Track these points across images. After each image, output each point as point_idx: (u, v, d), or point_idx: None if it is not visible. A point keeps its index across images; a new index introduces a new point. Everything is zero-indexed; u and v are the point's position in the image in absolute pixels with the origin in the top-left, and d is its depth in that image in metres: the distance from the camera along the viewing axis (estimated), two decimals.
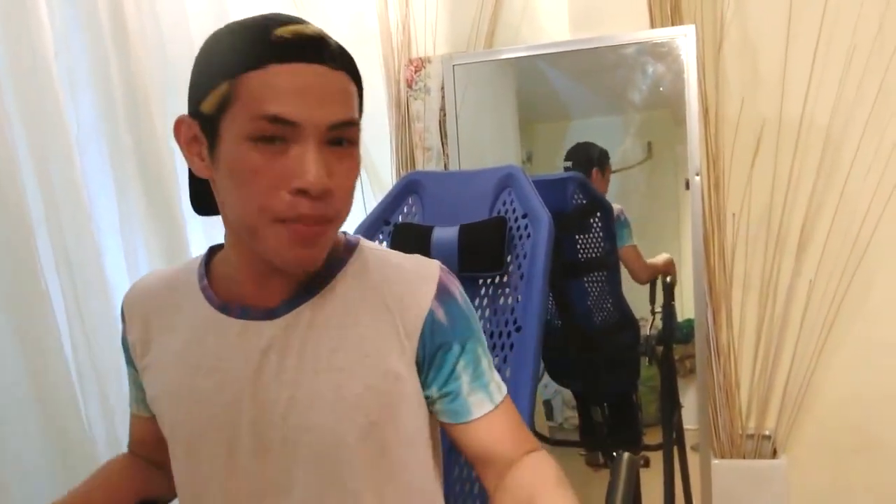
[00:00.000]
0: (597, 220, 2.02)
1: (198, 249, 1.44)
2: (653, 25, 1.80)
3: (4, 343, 1.06)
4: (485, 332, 1.20)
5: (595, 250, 2.04)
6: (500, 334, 1.21)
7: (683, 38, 1.67)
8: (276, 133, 0.67)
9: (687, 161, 1.71)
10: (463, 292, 0.82)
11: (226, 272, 0.80)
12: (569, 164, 2.07)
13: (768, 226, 1.84)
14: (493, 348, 1.20)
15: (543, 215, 1.27)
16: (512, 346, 1.18)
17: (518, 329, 1.19)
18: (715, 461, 1.86)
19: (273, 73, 0.67)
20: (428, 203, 1.43)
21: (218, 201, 0.74)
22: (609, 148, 2.03)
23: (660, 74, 1.77)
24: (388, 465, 0.77)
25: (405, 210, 1.43)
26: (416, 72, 1.88)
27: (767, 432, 1.88)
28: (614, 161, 2.00)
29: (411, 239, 1.31)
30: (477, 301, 1.27)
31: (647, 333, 2.16)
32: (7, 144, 1.04)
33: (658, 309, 2.12)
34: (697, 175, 1.67)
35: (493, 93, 2.01)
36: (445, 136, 1.85)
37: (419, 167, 1.92)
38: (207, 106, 0.69)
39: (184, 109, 0.73)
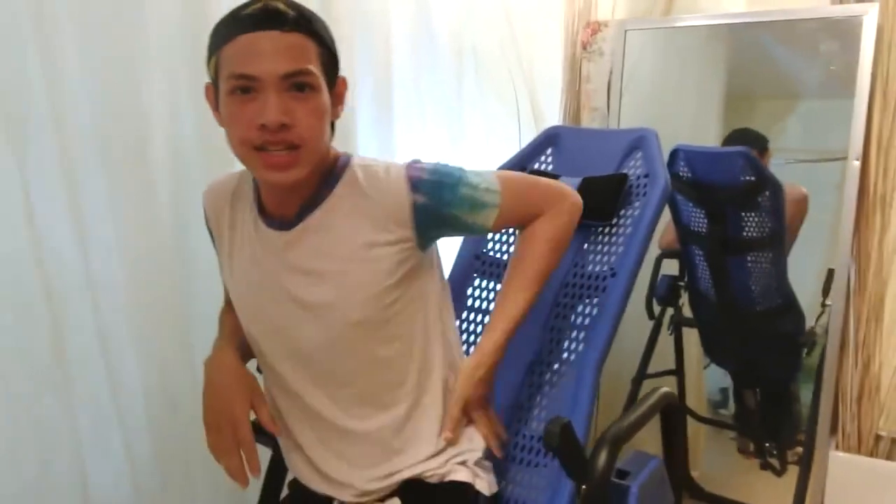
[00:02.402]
0: (765, 198, 2.00)
1: None
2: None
3: None
4: (585, 274, 1.35)
5: (761, 229, 2.03)
6: (598, 276, 1.33)
7: (865, 17, 1.61)
8: (245, 85, 0.90)
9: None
10: (430, 167, 1.02)
11: (263, 193, 1.03)
12: None
13: None
14: (588, 289, 1.33)
15: (661, 177, 1.37)
16: (605, 288, 1.30)
17: (613, 274, 1.31)
18: (837, 454, 1.83)
19: (238, 42, 0.90)
20: (563, 155, 1.57)
21: (230, 145, 0.97)
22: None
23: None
24: (389, 328, 1.01)
25: (542, 159, 1.58)
26: (592, 34, 1.99)
27: None
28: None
29: None
30: (587, 245, 1.40)
31: (813, 325, 2.10)
32: None
33: (829, 302, 2.06)
34: (857, 160, 1.62)
35: (681, 61, 2.05)
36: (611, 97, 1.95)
37: (584, 123, 2.04)
38: (211, 74, 0.95)
39: None
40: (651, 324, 2.17)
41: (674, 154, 2.07)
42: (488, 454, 1.09)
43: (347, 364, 1.01)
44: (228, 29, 0.92)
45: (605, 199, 1.38)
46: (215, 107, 0.98)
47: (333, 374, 1.02)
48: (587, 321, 1.27)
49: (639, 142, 1.46)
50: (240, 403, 0.99)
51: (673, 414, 1.06)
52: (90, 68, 1.14)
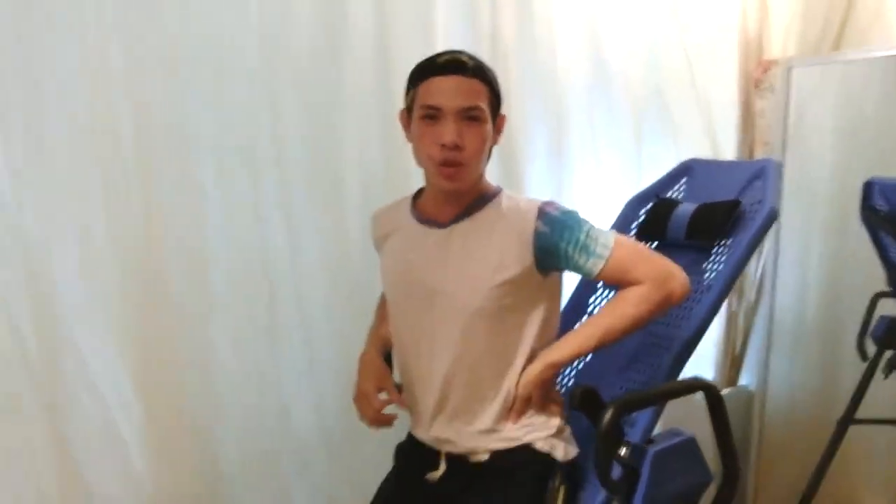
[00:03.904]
0: None
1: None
2: None
3: None
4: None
5: None
6: (696, 291, 1.48)
7: None
8: (432, 114, 1.23)
9: None
10: (563, 209, 1.27)
11: (423, 200, 1.36)
12: None
13: None
14: (688, 300, 1.47)
15: (768, 204, 1.48)
16: (699, 301, 1.45)
17: (708, 288, 1.46)
18: None
19: (432, 82, 1.24)
20: (693, 184, 1.72)
21: (414, 156, 1.31)
22: None
23: None
24: (500, 326, 1.26)
25: (676, 187, 1.75)
26: (763, 72, 2.07)
27: None
28: None
29: (662, 210, 1.64)
30: (696, 266, 1.55)
31: None
32: None
33: None
34: None
35: (857, 95, 2.06)
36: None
37: (757, 157, 2.12)
38: (407, 102, 1.29)
39: None
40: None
41: (868, 187, 2.04)
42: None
43: (461, 343, 1.29)
44: (425, 72, 1.26)
45: (710, 223, 1.52)
46: (406, 127, 1.32)
47: (449, 351, 1.30)
48: (676, 331, 1.44)
49: (760, 172, 1.57)
50: (371, 386, 1.38)
51: (714, 402, 1.19)
52: (303, 117, 1.62)
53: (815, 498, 2.10)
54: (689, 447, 1.16)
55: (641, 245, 1.34)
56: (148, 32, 1.41)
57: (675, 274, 1.26)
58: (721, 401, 1.20)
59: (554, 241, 1.24)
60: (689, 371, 1.95)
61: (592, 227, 1.27)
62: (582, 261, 1.25)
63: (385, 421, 1.38)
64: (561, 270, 1.32)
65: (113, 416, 1.42)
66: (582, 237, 1.24)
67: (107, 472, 1.42)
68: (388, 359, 1.50)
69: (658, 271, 1.25)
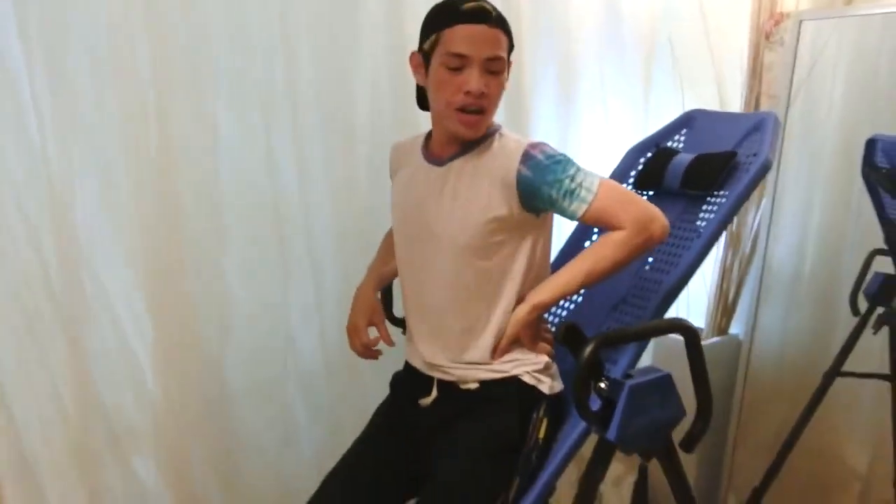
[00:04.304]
0: None
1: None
2: None
3: None
4: (679, 236, 1.55)
5: None
6: (688, 238, 1.54)
7: None
8: (457, 63, 1.26)
9: None
10: (549, 152, 1.30)
11: (433, 140, 1.42)
12: None
13: None
14: (676, 247, 1.54)
15: (760, 158, 1.51)
16: (688, 248, 1.51)
17: (698, 235, 1.51)
18: None
19: (457, 30, 1.26)
20: (693, 135, 1.76)
21: (429, 99, 1.35)
22: None
23: None
24: (488, 262, 1.33)
25: (676, 138, 1.78)
26: (775, 25, 2.08)
27: None
28: None
29: (660, 159, 1.68)
30: (686, 211, 1.60)
31: None
32: None
33: None
34: None
35: (868, 51, 2.05)
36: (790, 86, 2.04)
37: (763, 110, 2.14)
38: (426, 46, 1.31)
39: None
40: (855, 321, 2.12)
41: (870, 144, 2.04)
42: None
43: (451, 276, 1.35)
44: (450, 17, 1.27)
45: (706, 173, 1.57)
46: (419, 70, 1.34)
47: (441, 283, 1.37)
48: (664, 276, 1.50)
49: (759, 124, 1.60)
50: (362, 320, 1.50)
51: (691, 343, 1.26)
52: (316, 60, 1.67)
53: (796, 446, 2.18)
54: (664, 383, 1.23)
55: (625, 189, 1.37)
56: None
57: (655, 217, 1.29)
58: (698, 341, 1.27)
59: (537, 185, 1.29)
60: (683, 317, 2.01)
61: (579, 170, 1.30)
62: (566, 203, 1.28)
63: (372, 355, 1.51)
64: (548, 211, 1.37)
65: (127, 335, 1.52)
66: (567, 181, 1.28)
67: (120, 386, 1.53)
68: (387, 292, 1.58)
69: (640, 215, 1.29)
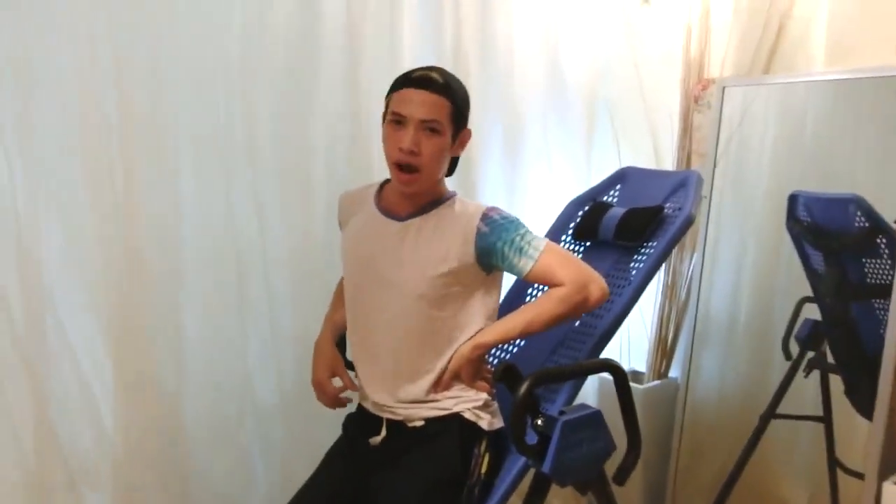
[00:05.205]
0: (883, 245, 2.07)
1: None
2: None
3: None
4: (612, 283, 1.67)
5: (884, 277, 2.07)
6: (619, 286, 1.66)
7: None
8: (398, 119, 1.40)
9: None
10: (505, 215, 1.45)
11: (387, 193, 1.53)
12: None
13: None
14: (612, 294, 1.65)
15: (685, 212, 1.66)
16: (621, 294, 1.63)
17: (628, 283, 1.64)
18: (890, 486, 1.87)
19: (402, 93, 1.41)
20: (626, 190, 1.90)
21: None
22: None
23: None
24: (441, 312, 1.44)
25: (611, 192, 1.93)
26: (703, 90, 2.27)
27: None
28: None
29: (596, 213, 1.82)
30: (620, 262, 1.73)
31: None
32: None
33: None
34: None
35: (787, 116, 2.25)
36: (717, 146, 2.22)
37: (693, 167, 2.31)
38: (385, 106, 1.45)
39: None
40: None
41: (793, 199, 2.20)
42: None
43: (405, 323, 1.45)
44: (400, 83, 1.43)
45: (635, 226, 1.70)
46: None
47: (395, 329, 1.46)
48: (599, 321, 1.62)
49: (684, 181, 1.76)
50: (325, 374, 1.58)
51: (620, 380, 1.37)
52: (275, 114, 1.78)
53: (735, 487, 2.28)
54: (595, 419, 1.34)
55: (568, 252, 1.52)
56: (135, 31, 1.56)
57: (594, 279, 1.42)
58: (626, 379, 1.38)
59: (492, 241, 1.42)
60: (625, 362, 2.13)
61: (528, 232, 1.44)
62: (515, 260, 1.42)
63: (341, 404, 1.60)
64: (500, 268, 1.48)
65: (87, 377, 1.57)
66: (517, 239, 1.42)
67: (79, 429, 1.57)
68: (341, 341, 1.67)
69: (579, 276, 1.41)
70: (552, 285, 1.42)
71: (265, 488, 1.86)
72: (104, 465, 1.59)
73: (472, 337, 1.46)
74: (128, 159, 1.58)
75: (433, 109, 1.40)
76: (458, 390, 1.46)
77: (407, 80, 1.42)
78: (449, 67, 1.51)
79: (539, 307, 1.43)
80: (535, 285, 1.80)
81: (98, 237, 1.56)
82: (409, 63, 1.87)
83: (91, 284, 1.57)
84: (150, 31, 1.58)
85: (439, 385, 1.45)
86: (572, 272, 1.41)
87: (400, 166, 1.41)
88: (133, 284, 1.61)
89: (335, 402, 1.59)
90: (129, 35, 1.55)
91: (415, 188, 1.44)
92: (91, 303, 1.58)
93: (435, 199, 1.49)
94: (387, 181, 1.56)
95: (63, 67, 1.48)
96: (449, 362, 1.45)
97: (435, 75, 1.42)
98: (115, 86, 1.55)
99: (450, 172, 1.54)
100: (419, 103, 1.39)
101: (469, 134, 1.50)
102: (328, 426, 1.62)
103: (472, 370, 1.45)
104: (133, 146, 1.58)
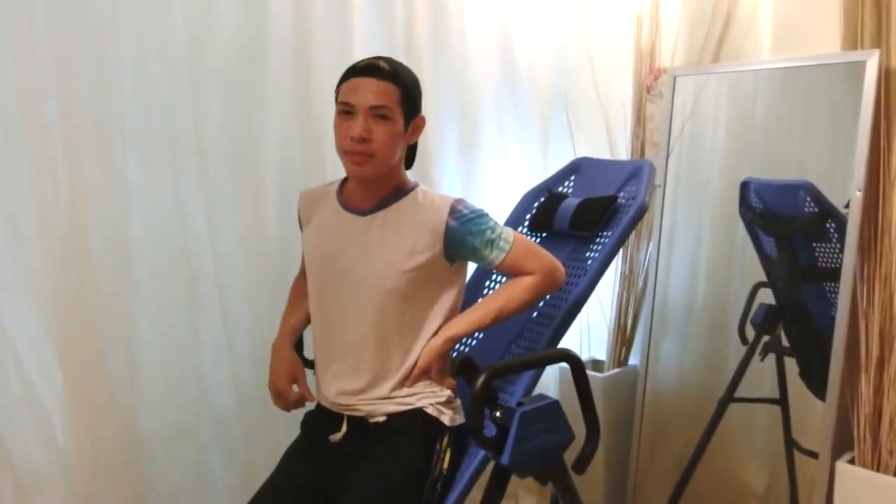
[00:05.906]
0: (832, 229, 2.11)
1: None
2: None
3: None
4: (569, 273, 1.68)
5: (834, 261, 2.11)
6: (576, 276, 1.67)
7: (869, 62, 1.77)
8: (347, 109, 1.39)
9: None
10: (472, 208, 1.45)
11: (347, 188, 1.52)
12: None
13: None
14: (568, 284, 1.66)
15: (638, 201, 1.67)
16: (577, 284, 1.64)
17: (584, 273, 1.64)
18: (843, 465, 1.92)
19: (350, 82, 1.40)
20: (581, 181, 1.91)
21: None
22: None
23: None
24: (407, 306, 1.43)
25: (566, 183, 1.94)
26: (654, 79, 2.29)
27: None
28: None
29: (551, 204, 1.83)
30: (576, 251, 1.74)
31: None
32: None
33: None
34: (859, 191, 1.77)
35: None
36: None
37: (647, 157, 2.34)
38: (335, 98, 1.43)
39: None
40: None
41: (745, 186, 2.23)
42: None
43: (371, 319, 1.43)
44: (347, 73, 1.43)
45: (591, 216, 1.71)
46: None
47: (360, 325, 1.44)
48: (556, 311, 1.62)
49: (637, 171, 1.77)
50: (285, 381, 1.56)
51: (576, 370, 1.38)
52: (225, 112, 1.75)
53: (696, 471, 2.32)
54: (553, 409, 1.34)
55: (533, 242, 1.53)
56: (77, 28, 1.51)
57: (558, 267, 1.49)
58: (583, 369, 1.38)
59: (462, 235, 1.42)
60: (585, 350, 2.13)
61: (497, 224, 1.46)
62: (486, 252, 1.44)
63: (297, 407, 1.58)
64: (466, 260, 1.49)
65: (34, 383, 1.52)
66: (488, 233, 1.43)
67: (29, 442, 1.52)
68: (298, 343, 1.64)
69: (546, 265, 1.47)
70: (521, 275, 1.46)
71: (224, 490, 1.83)
72: (55, 475, 1.55)
73: (439, 330, 1.46)
74: (71, 161, 1.54)
75: (381, 96, 1.39)
76: (421, 386, 1.46)
77: (354, 70, 1.42)
78: (402, 60, 1.50)
79: (508, 295, 1.47)
80: (494, 276, 1.80)
81: (41, 236, 1.51)
82: (360, 56, 1.85)
83: (36, 287, 1.52)
84: (91, 30, 1.54)
85: (406, 380, 1.45)
86: (541, 262, 1.47)
87: (350, 153, 1.40)
88: (81, 293, 1.57)
89: (293, 406, 1.58)
90: (70, 34, 1.51)
91: (368, 171, 1.41)
92: (38, 312, 1.53)
93: (396, 191, 1.47)
94: (347, 178, 1.54)
95: (2, 67, 1.43)
96: (418, 357, 1.45)
97: (382, 63, 1.41)
98: (59, 85, 1.50)
99: (410, 164, 1.53)
100: (367, 91, 1.38)
101: (423, 121, 1.49)
102: (286, 425, 1.61)
103: (442, 364, 1.45)
104: (77, 147, 1.54)
